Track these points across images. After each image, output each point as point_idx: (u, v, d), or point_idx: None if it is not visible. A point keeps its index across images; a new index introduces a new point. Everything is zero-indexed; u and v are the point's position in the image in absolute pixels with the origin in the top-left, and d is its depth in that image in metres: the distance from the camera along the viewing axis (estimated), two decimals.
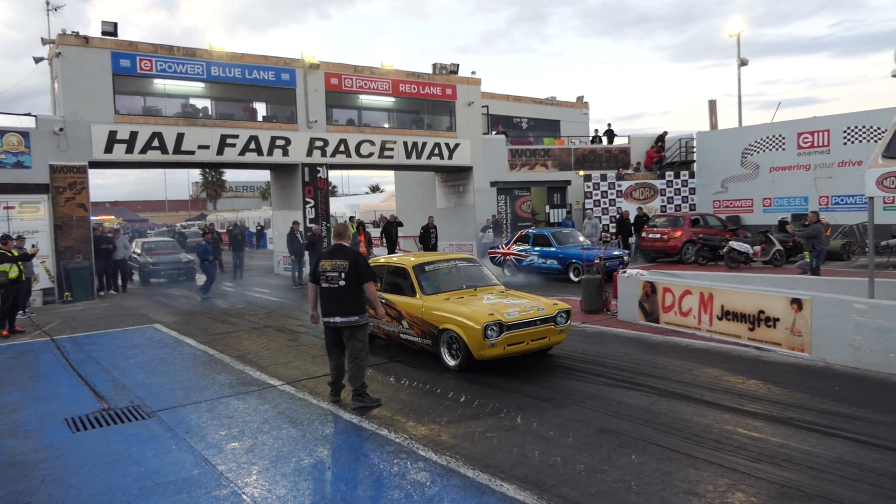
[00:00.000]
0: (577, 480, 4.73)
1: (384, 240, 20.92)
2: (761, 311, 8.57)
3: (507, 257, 18.40)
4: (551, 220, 25.29)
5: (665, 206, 24.09)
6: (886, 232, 16.82)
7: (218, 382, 7.91)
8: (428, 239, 20.98)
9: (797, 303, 8.11)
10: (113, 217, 46.72)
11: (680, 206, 24.13)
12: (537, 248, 17.50)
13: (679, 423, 5.86)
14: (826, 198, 21.24)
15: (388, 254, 18.55)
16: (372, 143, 21.82)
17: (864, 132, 20.41)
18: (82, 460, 5.50)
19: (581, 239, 18.03)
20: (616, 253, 16.97)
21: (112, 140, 17.28)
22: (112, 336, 11.48)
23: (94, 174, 17.84)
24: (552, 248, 17.07)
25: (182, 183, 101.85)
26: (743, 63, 27.30)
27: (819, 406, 6.26)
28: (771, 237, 17.75)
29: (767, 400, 6.52)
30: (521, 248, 17.96)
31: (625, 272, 11.17)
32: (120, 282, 18.41)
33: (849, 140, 20.75)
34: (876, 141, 19.90)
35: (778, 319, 8.35)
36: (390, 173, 34.08)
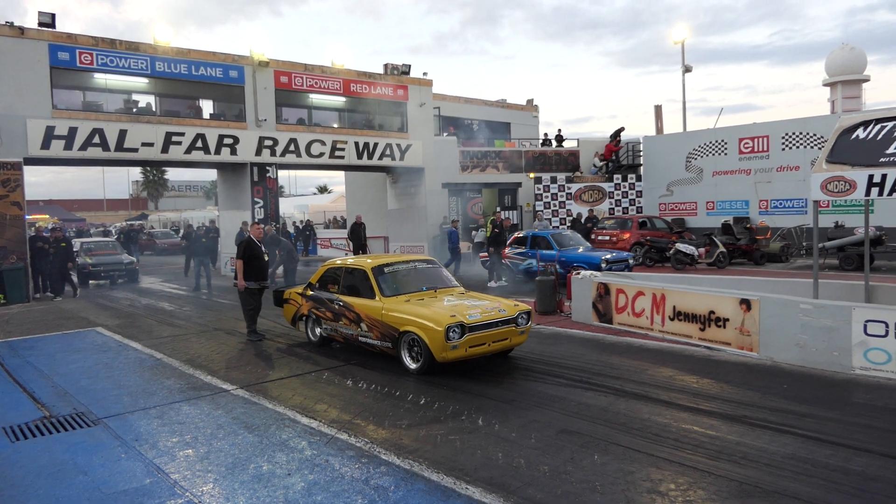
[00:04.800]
0: (542, 482, 4.72)
1: (351, 242, 19.68)
2: (712, 312, 8.78)
3: (502, 261, 16.91)
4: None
5: (613, 209, 24.55)
6: (822, 234, 17.52)
7: (167, 387, 7.63)
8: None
9: (746, 303, 8.33)
10: (47, 216, 44.77)
11: (627, 208, 24.63)
12: (536, 252, 16.14)
13: (638, 423, 5.93)
14: (766, 201, 22.01)
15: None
16: (323, 142, 21.54)
17: (801, 138, 21.23)
18: (24, 471, 5.22)
19: (582, 241, 17.04)
20: (610, 256, 15.41)
21: (49, 136, 16.58)
22: (51, 340, 10.98)
23: (28, 171, 17.03)
24: (552, 252, 15.75)
25: (121, 182, 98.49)
26: (687, 69, 28.11)
27: (770, 404, 6.43)
28: (715, 239, 18.30)
29: (721, 399, 6.66)
30: (517, 251, 16.65)
31: (579, 274, 11.30)
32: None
33: (787, 146, 21.55)
34: (812, 147, 20.74)
35: (728, 319, 8.57)
36: (339, 174, 33.79)
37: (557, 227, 24.09)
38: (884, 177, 7.54)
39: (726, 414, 6.16)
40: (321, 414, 6.47)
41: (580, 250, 15.82)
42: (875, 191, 7.62)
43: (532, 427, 5.88)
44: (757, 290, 9.00)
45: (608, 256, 15.10)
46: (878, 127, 8.10)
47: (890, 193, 7.49)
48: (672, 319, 9.37)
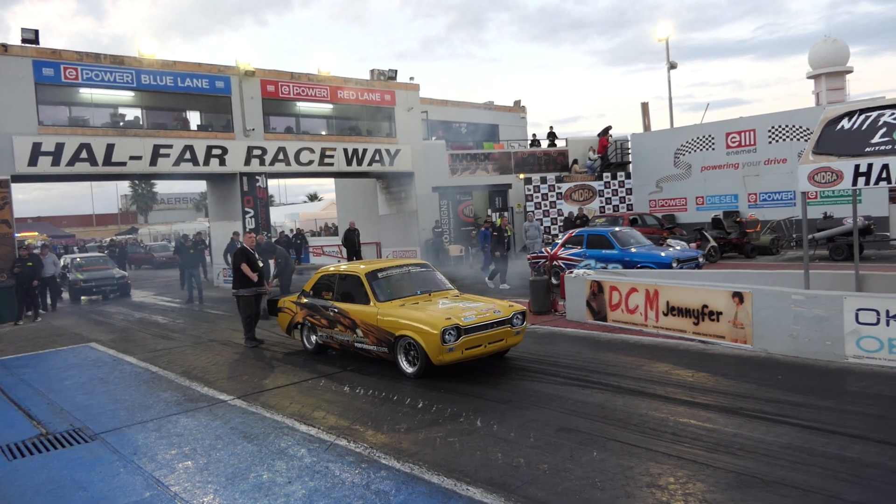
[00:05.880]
0: (542, 480, 4.74)
1: (344, 249, 19.60)
2: (705, 306, 8.83)
3: (555, 263, 14.91)
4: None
5: (603, 207, 24.64)
6: (811, 226, 17.65)
7: (164, 400, 7.61)
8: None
9: (738, 296, 8.39)
10: (36, 233, 44.59)
11: (618, 206, 24.73)
12: (594, 252, 14.89)
13: (636, 419, 5.95)
14: (755, 195, 22.15)
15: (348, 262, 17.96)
16: (311, 150, 21.54)
17: (787, 131, 21.39)
18: (22, 489, 5.19)
19: (642, 238, 15.74)
20: (680, 254, 14.32)
21: (36, 152, 16.52)
22: (44, 357, 10.92)
23: (16, 188, 16.94)
24: (613, 251, 14.59)
25: (110, 196, 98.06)
26: (672, 66, 28.27)
27: (765, 395, 6.47)
28: (706, 234, 18.41)
29: (717, 391, 6.70)
30: (571, 251, 15.11)
31: (571, 272, 11.33)
32: (49, 300, 17.54)
33: (773, 139, 21.70)
34: (798, 139, 20.90)
35: (721, 313, 8.62)
36: (329, 182, 33.82)
37: (549, 226, 24.17)
38: (870, 166, 7.60)
39: (723, 406, 6.19)
40: (319, 421, 6.47)
41: (643, 249, 14.67)
42: (861, 180, 7.67)
43: (530, 426, 5.89)
44: (749, 283, 9.06)
45: (677, 254, 14.02)
46: (863, 117, 8.17)
47: (876, 182, 7.55)
48: (666, 315, 9.41)
